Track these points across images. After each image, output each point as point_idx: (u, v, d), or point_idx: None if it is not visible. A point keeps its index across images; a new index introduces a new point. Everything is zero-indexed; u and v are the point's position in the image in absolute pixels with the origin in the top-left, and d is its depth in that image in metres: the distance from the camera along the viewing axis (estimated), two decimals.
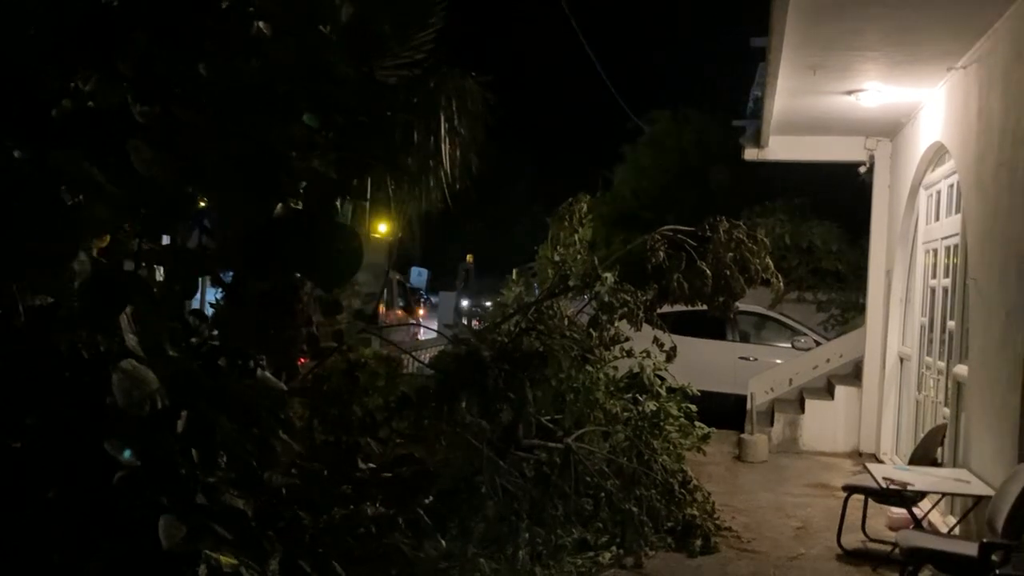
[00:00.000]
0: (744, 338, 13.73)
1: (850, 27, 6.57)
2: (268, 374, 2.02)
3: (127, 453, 1.70)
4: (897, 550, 5.49)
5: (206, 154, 1.62)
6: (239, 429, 1.86)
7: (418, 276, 26.47)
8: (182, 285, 2.08)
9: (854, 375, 11.35)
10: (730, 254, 6.89)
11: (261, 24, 1.85)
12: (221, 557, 1.63)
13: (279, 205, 1.74)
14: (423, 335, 18.36)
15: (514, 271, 9.66)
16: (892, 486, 5.69)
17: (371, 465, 2.91)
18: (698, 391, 8.99)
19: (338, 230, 1.85)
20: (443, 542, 5.87)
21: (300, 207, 1.80)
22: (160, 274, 2.11)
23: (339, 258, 1.82)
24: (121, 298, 1.65)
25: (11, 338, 1.66)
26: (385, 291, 18.32)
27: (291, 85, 1.87)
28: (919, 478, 5.92)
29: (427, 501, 4.97)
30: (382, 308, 17.97)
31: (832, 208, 15.15)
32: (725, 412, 11.46)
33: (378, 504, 2.75)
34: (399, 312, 18.84)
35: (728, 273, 6.74)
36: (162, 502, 1.78)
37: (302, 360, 8.29)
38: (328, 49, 2.14)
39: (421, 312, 21.46)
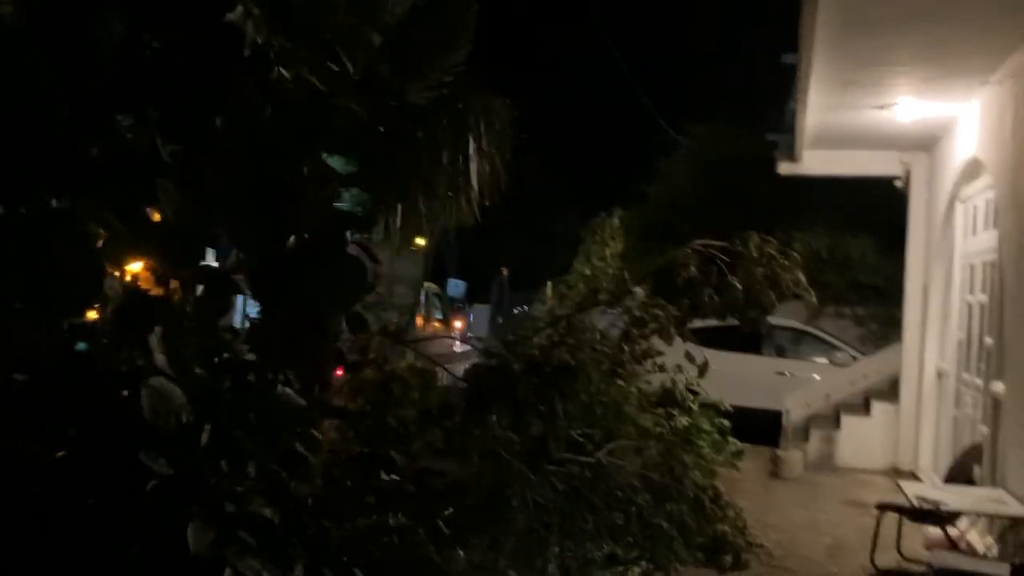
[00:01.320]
0: (781, 353, 13.65)
1: (881, 43, 6.58)
2: (289, 390, 2.12)
3: (160, 462, 1.80)
4: (929, 570, 5.46)
5: (222, 192, 1.72)
6: (264, 441, 1.95)
7: (455, 288, 26.67)
8: (216, 304, 2.19)
9: (892, 391, 11.23)
10: (760, 269, 6.90)
11: (282, 69, 1.96)
12: (244, 562, 1.72)
13: (291, 238, 1.84)
14: (460, 347, 18.47)
15: (549, 284, 9.77)
16: (925, 505, 5.65)
17: (394, 477, 2.99)
18: (732, 407, 8.98)
19: (346, 260, 1.95)
20: (469, 554, 5.96)
21: (311, 238, 1.90)
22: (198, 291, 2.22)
23: (345, 287, 1.91)
24: (149, 320, 1.76)
25: (53, 354, 1.77)
26: (423, 303, 18.50)
27: (305, 124, 1.97)
28: (953, 497, 5.87)
29: (449, 513, 5.06)
30: (420, 320, 18.14)
31: (871, 221, 15.02)
32: (761, 428, 11.39)
33: (400, 515, 2.83)
34: (436, 324, 18.99)
35: (759, 288, 6.75)
36: (193, 510, 1.88)
37: (340, 372, 8.44)
38: (346, 90, 2.24)
39: (459, 324, 21.61)
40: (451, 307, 24.06)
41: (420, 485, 7.12)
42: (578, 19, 25.28)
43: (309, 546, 2.10)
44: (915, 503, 5.63)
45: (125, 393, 1.75)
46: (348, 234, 3.62)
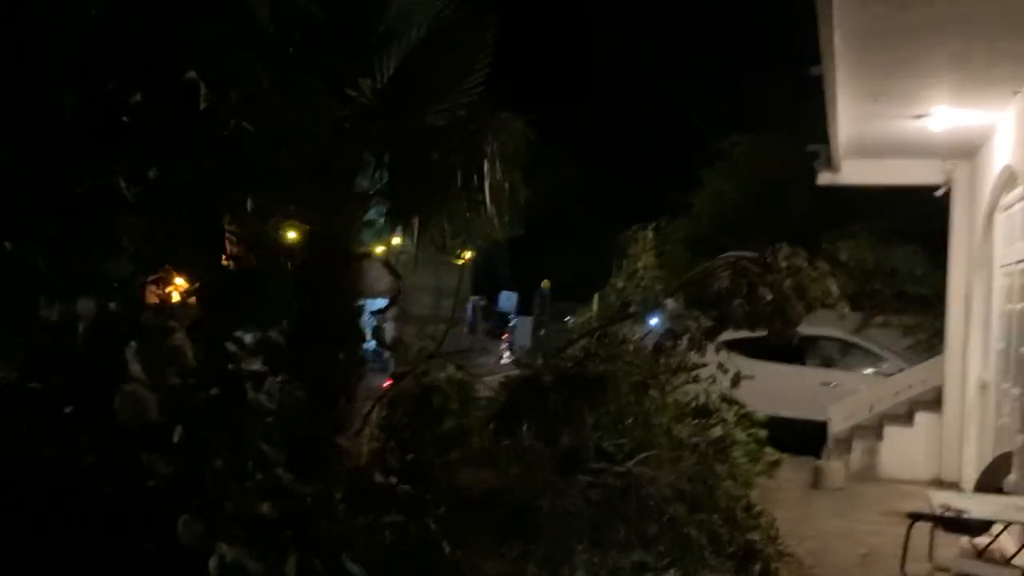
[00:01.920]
0: (826, 364, 13.57)
1: (906, 55, 6.61)
2: (262, 396, 2.32)
3: (160, 462, 2.01)
4: None
5: (172, 230, 1.94)
6: (228, 440, 2.16)
7: (507, 300, 26.84)
8: (219, 320, 2.42)
9: (936, 401, 11.10)
10: (788, 280, 6.95)
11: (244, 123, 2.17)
12: (228, 550, 1.92)
13: (230, 264, 2.06)
14: (506, 359, 18.64)
15: (596, 297, 9.90)
16: (948, 513, 5.66)
17: (392, 478, 3.19)
18: (777, 418, 8.99)
19: (272, 281, 2.16)
20: (499, 561, 6.11)
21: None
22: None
23: (271, 306, 2.12)
24: (119, 337, 1.97)
25: (67, 353, 2.00)
26: (468, 316, 18.73)
27: (253, 168, 2.18)
28: (979, 506, 5.86)
29: (482, 520, 5.23)
30: (467, 332, 18.38)
31: (917, 231, 14.85)
32: (805, 439, 11.36)
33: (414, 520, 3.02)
34: (482, 336, 19.20)
35: (785, 299, 6.81)
36: (191, 505, 2.09)
37: (389, 381, 8.69)
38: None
39: (505, 336, 21.79)
40: (500, 320, 24.25)
41: (454, 494, 7.33)
42: (616, 29, 25.29)
43: (302, 541, 2.29)
44: (937, 511, 5.63)
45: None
46: (372, 250, 3.92)
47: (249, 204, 2.08)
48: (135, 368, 1.96)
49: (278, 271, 2.15)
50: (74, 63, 1.75)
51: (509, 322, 25.39)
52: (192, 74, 1.96)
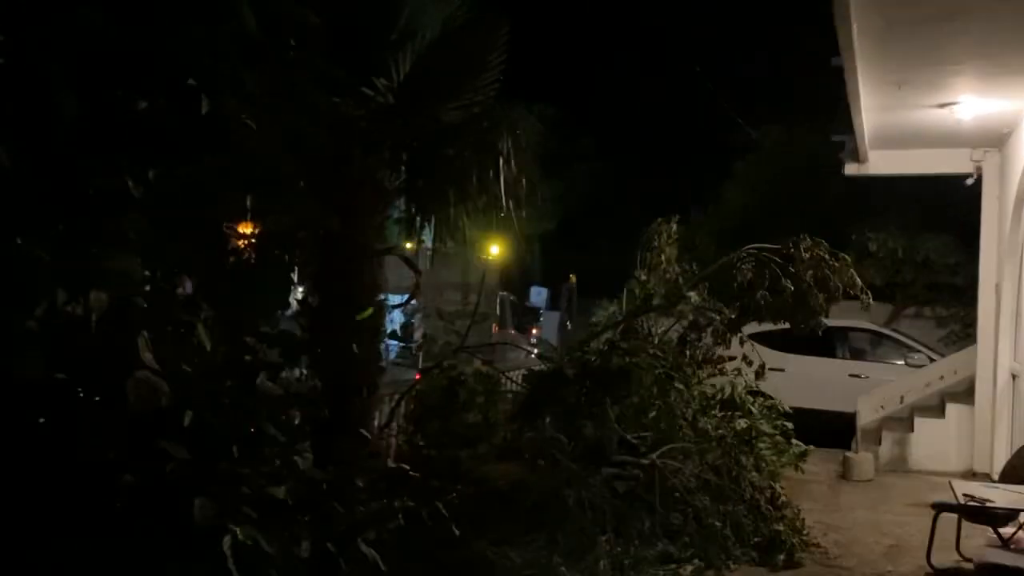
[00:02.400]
0: (856, 355, 13.49)
1: (928, 43, 6.58)
2: (269, 383, 2.43)
3: (177, 447, 2.12)
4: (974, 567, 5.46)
5: (173, 226, 2.05)
6: (235, 425, 2.26)
7: (537, 295, 26.94)
8: (235, 316, 2.53)
9: (967, 392, 11.00)
10: (810, 272, 6.97)
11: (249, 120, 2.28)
12: (240, 530, 2.02)
13: (231, 259, 2.16)
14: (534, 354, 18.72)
15: (625, 290, 9.94)
16: (971, 503, 5.65)
17: (403, 466, 3.29)
18: (807, 409, 8.97)
19: (271, 274, 2.26)
20: (524, 550, 6.20)
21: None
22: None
23: (269, 297, 2.22)
24: (131, 326, 2.08)
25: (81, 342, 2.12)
26: (498, 311, 18.82)
27: (256, 169, 2.28)
28: (1003, 495, 5.85)
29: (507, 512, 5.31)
30: (496, 327, 18.49)
31: (951, 220, 14.70)
32: (835, 430, 11.33)
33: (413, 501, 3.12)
34: (511, 331, 19.31)
35: (807, 290, 6.82)
36: (207, 489, 2.20)
37: (418, 376, 8.75)
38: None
39: (535, 331, 21.87)
40: (531, 314, 24.34)
41: (481, 486, 7.42)
42: (645, 21, 25.21)
43: (316, 524, 2.39)
44: (961, 500, 5.63)
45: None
46: (400, 246, 4.05)
47: (248, 202, 2.20)
48: (147, 357, 2.07)
49: (277, 266, 2.26)
50: (75, 70, 1.87)
51: (540, 317, 25.47)
52: (192, 81, 2.08)
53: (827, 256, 7.05)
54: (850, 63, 6.74)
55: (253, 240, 2.20)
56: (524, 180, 4.68)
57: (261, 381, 2.35)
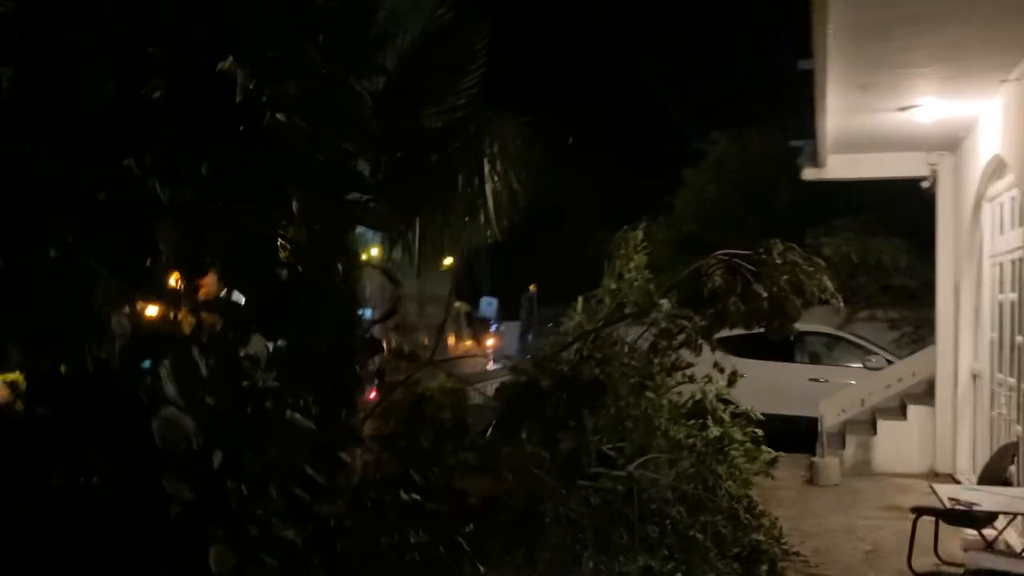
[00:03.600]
0: (814, 359, 13.56)
1: (897, 45, 6.57)
2: (298, 416, 2.20)
3: (183, 488, 1.88)
4: (966, 572, 5.41)
5: (213, 233, 1.82)
6: (274, 463, 2.04)
7: (488, 306, 26.69)
8: (235, 334, 2.28)
9: (927, 393, 11.11)
10: (784, 276, 6.88)
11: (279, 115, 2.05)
12: None
13: (284, 272, 1.93)
14: (492, 365, 18.52)
15: (579, 300, 9.78)
16: (957, 506, 5.60)
17: (415, 496, 3.06)
18: (768, 415, 8.92)
19: (331, 292, 2.03)
20: (502, 570, 6.00)
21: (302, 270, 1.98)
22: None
23: (331, 316, 2.00)
24: (156, 354, 1.85)
25: (79, 387, 1.87)
26: (453, 322, 18.57)
27: (292, 166, 2.06)
28: (987, 498, 5.82)
29: (482, 530, 5.10)
30: (451, 339, 18.24)
31: (902, 224, 14.90)
32: (797, 435, 11.32)
33: (421, 532, 2.90)
34: (467, 343, 19.08)
35: (783, 295, 6.74)
36: (217, 534, 1.96)
37: (375, 394, 8.53)
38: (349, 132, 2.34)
39: (491, 342, 21.65)
40: (482, 326, 24.08)
41: (454, 503, 7.18)
42: (594, 28, 25.23)
43: (331, 565, 2.17)
44: (947, 504, 5.58)
45: (145, 423, 1.85)
46: (367, 257, 3.74)
47: (295, 206, 1.96)
48: (170, 389, 1.84)
49: (328, 280, 2.03)
50: (111, 47, 1.64)
51: (491, 328, 25.23)
52: (226, 64, 1.84)
53: (801, 260, 6.98)
54: (821, 64, 6.71)
55: (302, 250, 1.97)
56: (510, 187, 4.50)
57: (291, 415, 2.12)
